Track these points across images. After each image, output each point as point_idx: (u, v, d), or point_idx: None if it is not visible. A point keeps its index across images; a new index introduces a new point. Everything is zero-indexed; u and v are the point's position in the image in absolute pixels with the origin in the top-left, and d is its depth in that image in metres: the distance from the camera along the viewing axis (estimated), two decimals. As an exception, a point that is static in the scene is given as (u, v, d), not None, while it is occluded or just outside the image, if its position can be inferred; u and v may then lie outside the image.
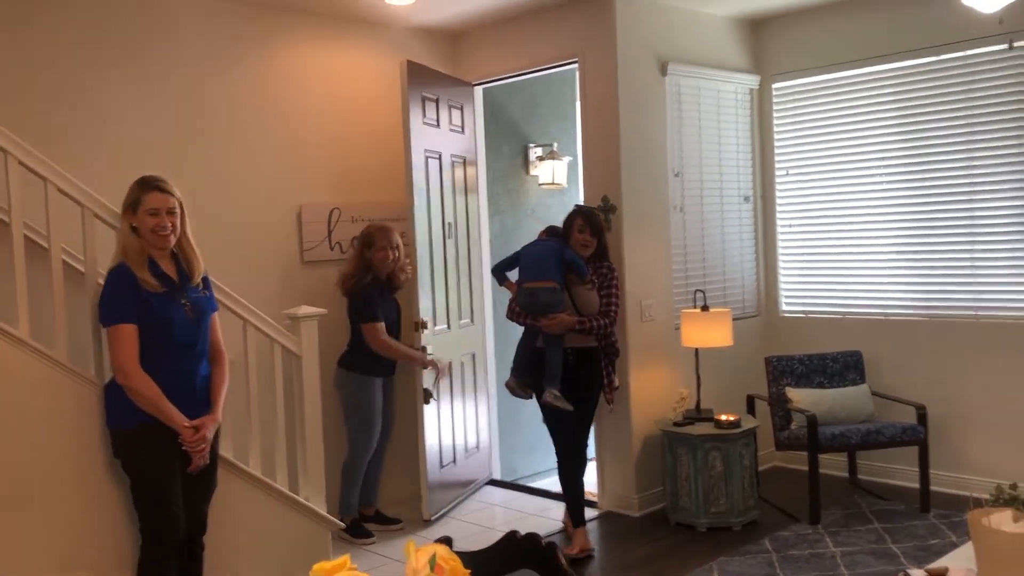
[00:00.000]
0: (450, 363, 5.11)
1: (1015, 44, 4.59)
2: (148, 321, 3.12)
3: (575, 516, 4.53)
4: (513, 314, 4.58)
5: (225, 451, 3.55)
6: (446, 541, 1.72)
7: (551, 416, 4.47)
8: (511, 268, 4.67)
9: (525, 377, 4.55)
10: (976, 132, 4.99)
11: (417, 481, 5.01)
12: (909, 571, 2.91)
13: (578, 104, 5.21)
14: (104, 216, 3.34)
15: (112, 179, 3.67)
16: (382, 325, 4.66)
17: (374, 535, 4.73)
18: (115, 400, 3.18)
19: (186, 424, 3.18)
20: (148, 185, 3.18)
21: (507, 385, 4.64)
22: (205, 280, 3.37)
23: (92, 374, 3.26)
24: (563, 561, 1.77)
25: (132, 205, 3.17)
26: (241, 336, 3.74)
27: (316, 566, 1.20)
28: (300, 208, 4.99)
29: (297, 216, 4.99)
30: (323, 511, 3.87)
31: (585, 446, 4.59)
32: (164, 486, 3.18)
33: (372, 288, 4.69)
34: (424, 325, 4.92)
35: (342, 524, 4.08)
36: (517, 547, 1.83)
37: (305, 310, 3.88)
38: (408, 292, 4.93)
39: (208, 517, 3.37)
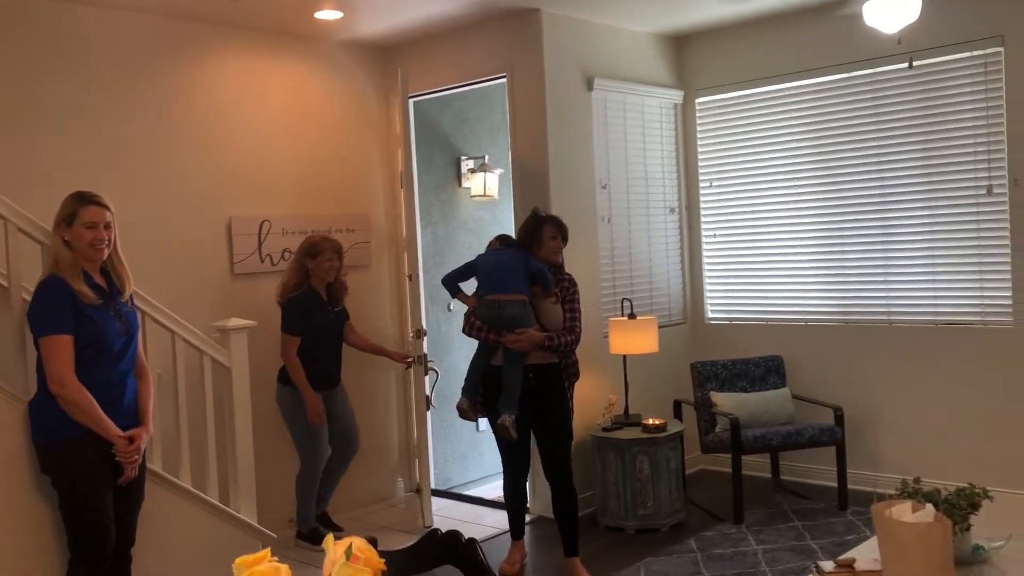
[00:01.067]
0: (418, 357, 5.15)
1: (915, 63, 4.84)
2: (84, 333, 3.12)
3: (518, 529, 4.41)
4: (473, 328, 4.20)
5: (154, 464, 3.55)
6: (371, 540, 1.78)
7: (503, 439, 4.17)
8: (464, 279, 4.37)
9: (478, 398, 4.23)
10: (885, 146, 5.23)
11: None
12: (820, 564, 3.06)
13: (508, 117, 5.33)
14: (30, 231, 3.32)
15: (38, 196, 3.65)
16: (296, 340, 4.62)
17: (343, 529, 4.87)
18: (43, 415, 3.16)
19: (120, 435, 3.18)
20: (84, 199, 3.19)
21: (458, 407, 4.25)
22: (131, 297, 3.38)
23: (17, 389, 3.23)
24: (483, 556, 1.84)
25: (67, 219, 3.17)
26: (170, 349, 3.74)
27: (238, 560, 1.26)
28: (230, 220, 4.99)
29: (227, 228, 4.99)
30: (254, 522, 3.88)
31: (567, 478, 4.18)
32: (95, 499, 3.17)
33: (305, 300, 4.67)
34: (424, 332, 5.19)
35: (273, 535, 4.08)
36: (438, 544, 1.91)
37: (235, 322, 3.90)
38: (402, 301, 4.99)
39: (136, 529, 3.36)
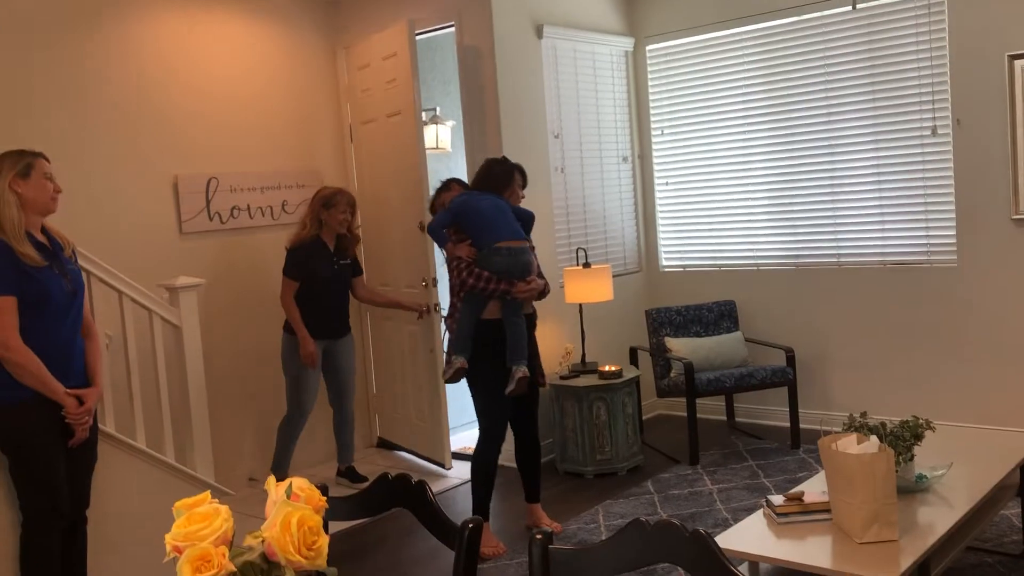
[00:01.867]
0: (433, 306, 5.06)
1: (858, 5, 4.86)
2: (28, 292, 3.05)
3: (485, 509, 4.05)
4: (480, 280, 3.85)
5: (107, 425, 3.52)
6: (321, 487, 1.79)
7: (492, 394, 3.92)
8: (450, 226, 3.99)
9: (469, 355, 3.91)
10: (833, 89, 5.27)
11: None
12: (771, 498, 3.14)
13: (457, 68, 5.26)
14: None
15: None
16: (293, 284, 4.70)
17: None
18: (-13, 379, 3.10)
19: (69, 396, 3.14)
20: (30, 152, 3.13)
21: (458, 368, 3.87)
22: (74, 252, 3.32)
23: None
24: (433, 497, 1.86)
25: (22, 172, 3.09)
26: (118, 309, 3.69)
27: (178, 503, 1.26)
28: (175, 178, 4.90)
29: (173, 187, 4.90)
30: (211, 480, 3.87)
31: (535, 428, 4.16)
32: (47, 462, 3.13)
33: (309, 247, 4.72)
34: (436, 281, 5.14)
35: (232, 492, 4.08)
36: (388, 487, 1.92)
37: (183, 280, 3.85)
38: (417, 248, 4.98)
39: (91, 491, 3.34)
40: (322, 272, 4.74)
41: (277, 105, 5.41)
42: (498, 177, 4.05)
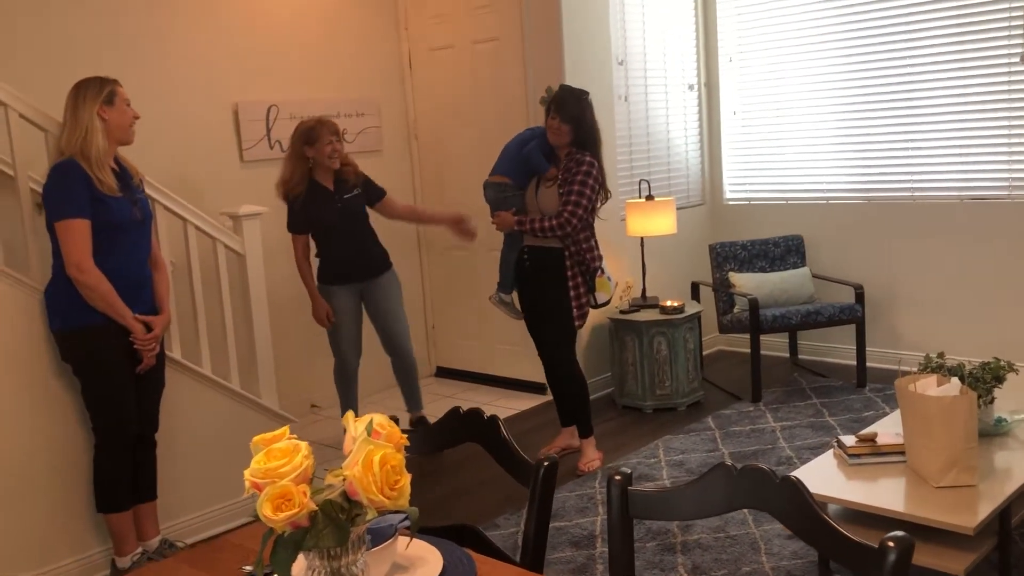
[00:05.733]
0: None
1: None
2: (101, 220, 3.07)
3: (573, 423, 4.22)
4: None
5: (173, 352, 3.56)
6: (392, 419, 1.76)
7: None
8: None
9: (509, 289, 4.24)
10: (914, 12, 4.99)
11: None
12: (841, 438, 3.07)
13: (519, -8, 5.10)
14: (32, 117, 3.23)
15: (38, 79, 3.53)
16: (301, 238, 4.30)
17: None
18: (60, 301, 3.14)
19: (138, 322, 3.17)
20: (112, 80, 3.16)
21: (505, 303, 4.28)
22: (141, 181, 3.32)
23: (32, 278, 3.21)
24: (505, 432, 1.83)
25: (108, 98, 3.10)
26: (183, 237, 3.70)
27: (256, 438, 1.23)
28: (236, 106, 4.87)
29: (233, 114, 4.87)
30: (276, 407, 3.92)
31: (555, 360, 4.09)
32: (116, 385, 3.19)
33: (306, 198, 4.25)
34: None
35: (295, 419, 4.10)
36: (460, 421, 1.89)
37: (246, 208, 3.83)
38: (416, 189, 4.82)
39: (159, 415, 3.40)
40: (326, 217, 4.25)
41: (337, 29, 5.32)
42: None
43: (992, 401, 3.04)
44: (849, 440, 3.03)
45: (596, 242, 4.06)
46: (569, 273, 3.99)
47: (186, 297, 3.77)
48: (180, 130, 4.63)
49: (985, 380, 2.99)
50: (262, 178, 4.95)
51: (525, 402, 5.19)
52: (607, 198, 4.09)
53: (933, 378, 2.80)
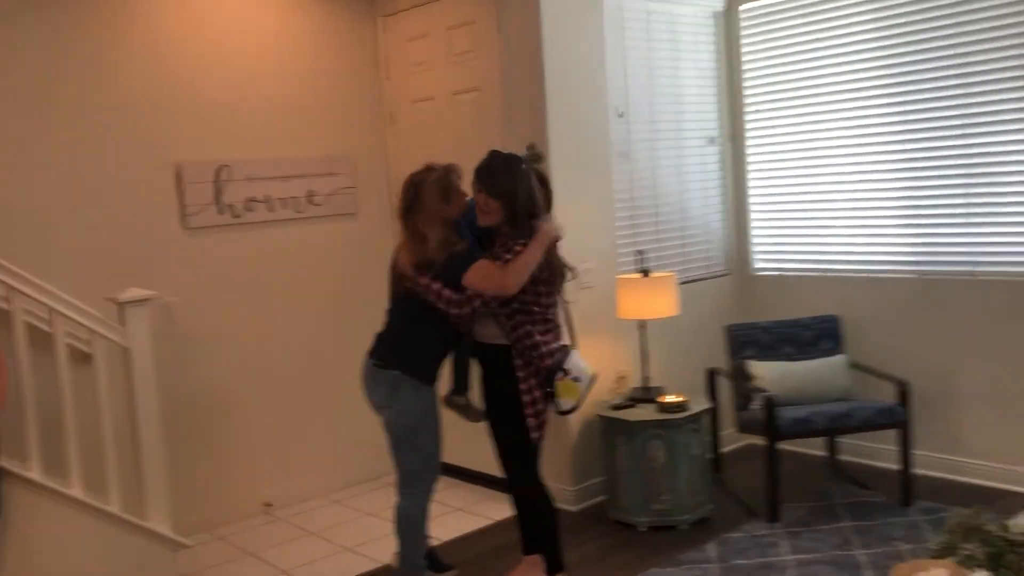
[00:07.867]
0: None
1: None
2: None
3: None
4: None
5: (29, 471, 2.97)
6: None
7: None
8: None
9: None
10: (971, 56, 4.17)
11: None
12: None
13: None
14: None
15: None
16: (488, 265, 3.25)
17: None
18: None
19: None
20: None
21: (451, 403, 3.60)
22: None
23: None
24: None
25: None
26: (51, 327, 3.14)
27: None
28: (178, 166, 4.34)
29: (175, 175, 4.34)
30: (167, 531, 3.28)
31: (513, 481, 3.40)
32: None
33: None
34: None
35: (189, 543, 3.43)
36: None
37: (131, 293, 3.25)
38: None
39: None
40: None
41: (304, 81, 4.77)
42: None
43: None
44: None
45: (556, 334, 3.32)
46: (521, 374, 3.23)
47: (52, 400, 3.16)
48: (109, 194, 4.11)
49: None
50: (212, 247, 4.43)
51: (504, 507, 4.44)
52: (565, 278, 3.37)
53: (941, 570, 1.98)
